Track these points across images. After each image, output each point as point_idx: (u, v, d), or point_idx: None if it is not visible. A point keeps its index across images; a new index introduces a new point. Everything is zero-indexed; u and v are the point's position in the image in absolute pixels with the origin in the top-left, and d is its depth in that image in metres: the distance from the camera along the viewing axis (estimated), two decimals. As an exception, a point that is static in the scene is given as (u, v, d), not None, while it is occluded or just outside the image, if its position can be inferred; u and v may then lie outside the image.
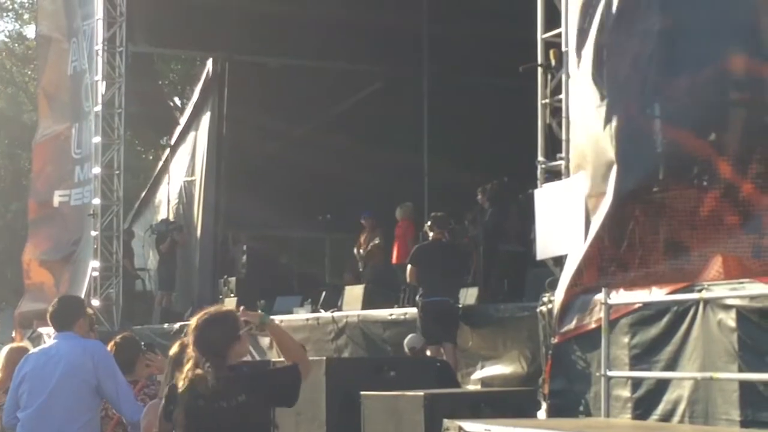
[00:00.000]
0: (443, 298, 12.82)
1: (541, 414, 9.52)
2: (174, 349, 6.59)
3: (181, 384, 5.71)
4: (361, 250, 18.20)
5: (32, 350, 8.15)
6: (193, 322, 5.81)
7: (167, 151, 25.41)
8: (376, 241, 17.97)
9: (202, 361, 5.70)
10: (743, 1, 9.42)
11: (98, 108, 19.65)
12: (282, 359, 6.04)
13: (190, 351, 5.79)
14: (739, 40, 9.31)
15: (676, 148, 9.54)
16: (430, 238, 13.62)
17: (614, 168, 9.45)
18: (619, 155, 9.47)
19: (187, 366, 5.75)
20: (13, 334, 21.60)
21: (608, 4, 9.73)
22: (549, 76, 10.90)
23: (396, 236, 17.51)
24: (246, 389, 5.67)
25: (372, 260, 18.01)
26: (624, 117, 9.55)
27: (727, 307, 7.95)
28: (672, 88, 9.60)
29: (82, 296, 19.22)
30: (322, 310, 15.78)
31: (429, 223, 13.79)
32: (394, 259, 17.51)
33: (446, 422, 7.59)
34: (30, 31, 36.87)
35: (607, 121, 9.58)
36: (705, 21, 9.45)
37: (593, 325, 9.14)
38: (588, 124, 9.95)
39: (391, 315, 13.84)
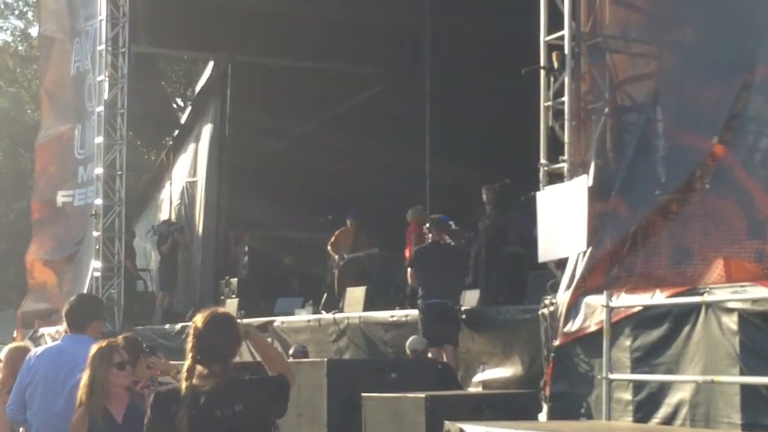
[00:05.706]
0: (441, 300, 12.78)
1: (542, 416, 9.52)
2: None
3: (184, 388, 5.42)
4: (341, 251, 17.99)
5: (40, 348, 7.81)
6: (197, 322, 5.49)
7: (165, 150, 25.39)
8: (375, 251, 17.84)
9: (201, 364, 5.43)
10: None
11: (101, 108, 19.66)
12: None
13: (189, 353, 5.46)
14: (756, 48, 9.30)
15: (678, 152, 9.54)
16: (429, 240, 13.61)
17: (617, 171, 9.45)
18: (621, 158, 9.47)
19: (186, 368, 5.45)
20: (15, 334, 21.60)
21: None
22: (551, 79, 10.90)
23: (408, 239, 17.39)
24: (243, 398, 5.46)
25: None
26: (627, 119, 9.55)
27: (729, 311, 7.95)
28: (677, 91, 9.60)
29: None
30: (323, 312, 15.76)
31: (428, 225, 13.79)
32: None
33: (447, 424, 7.58)
34: (35, 31, 36.91)
35: (612, 123, 9.59)
36: (726, 28, 9.44)
37: (594, 328, 9.14)
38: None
39: (392, 317, 13.83)
